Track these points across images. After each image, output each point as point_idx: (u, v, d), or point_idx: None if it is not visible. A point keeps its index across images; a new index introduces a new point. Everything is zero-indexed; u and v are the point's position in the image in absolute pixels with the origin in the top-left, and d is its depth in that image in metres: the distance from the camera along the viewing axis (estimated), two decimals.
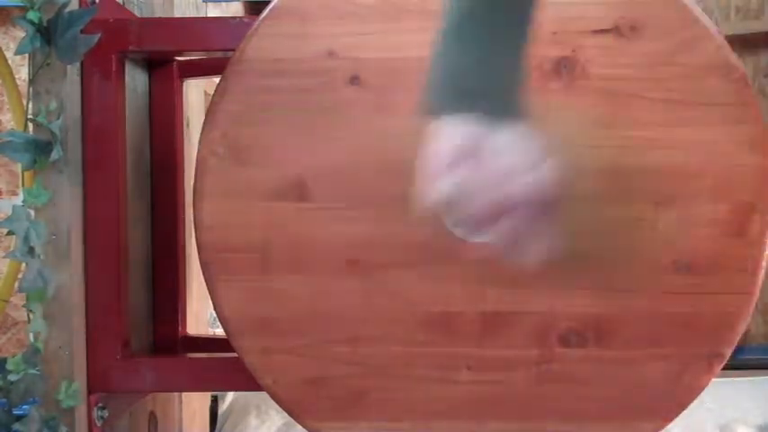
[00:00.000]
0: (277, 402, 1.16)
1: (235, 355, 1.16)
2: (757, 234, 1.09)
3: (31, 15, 1.12)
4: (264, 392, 1.16)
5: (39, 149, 1.15)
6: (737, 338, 1.11)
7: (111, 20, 1.24)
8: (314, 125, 1.12)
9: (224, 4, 2.41)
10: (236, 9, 2.53)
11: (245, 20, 1.24)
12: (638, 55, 1.10)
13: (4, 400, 1.13)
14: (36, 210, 1.17)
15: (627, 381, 1.12)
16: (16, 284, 1.21)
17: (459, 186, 0.73)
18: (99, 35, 1.14)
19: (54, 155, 1.15)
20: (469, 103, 0.74)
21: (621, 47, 1.10)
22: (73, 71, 1.20)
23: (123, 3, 1.36)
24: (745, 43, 2.71)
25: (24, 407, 1.14)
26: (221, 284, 1.14)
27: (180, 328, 1.48)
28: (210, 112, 1.14)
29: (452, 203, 0.74)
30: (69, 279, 1.19)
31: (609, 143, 1.10)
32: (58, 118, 1.16)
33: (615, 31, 1.10)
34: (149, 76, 1.46)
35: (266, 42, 1.13)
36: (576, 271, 1.08)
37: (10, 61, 1.24)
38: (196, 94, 1.69)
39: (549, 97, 1.10)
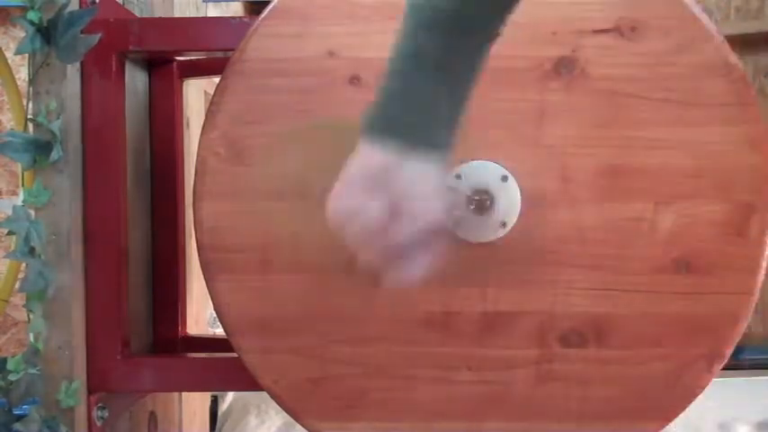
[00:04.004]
0: (277, 402, 1.16)
1: (235, 355, 1.16)
2: (757, 234, 1.09)
3: (31, 15, 1.12)
4: (264, 392, 1.16)
5: (39, 149, 1.15)
6: (737, 338, 1.11)
7: (111, 20, 1.24)
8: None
9: (224, 4, 2.41)
10: (236, 9, 2.53)
11: (245, 20, 1.24)
12: (637, 55, 1.10)
13: (4, 400, 1.13)
14: (36, 210, 1.17)
15: (627, 381, 1.12)
16: (16, 284, 1.21)
17: (353, 209, 0.76)
18: (99, 35, 1.14)
19: (54, 155, 1.15)
20: (395, 131, 0.75)
21: (621, 47, 1.10)
22: (73, 71, 1.20)
23: (123, 3, 1.36)
24: (745, 43, 2.70)
25: (24, 407, 1.14)
26: (221, 284, 1.14)
27: (180, 328, 1.48)
28: (210, 112, 1.14)
29: (346, 224, 0.77)
30: (69, 279, 1.19)
31: (609, 143, 1.10)
32: (58, 118, 1.16)
33: (615, 31, 1.10)
34: (149, 76, 1.46)
35: (266, 42, 1.13)
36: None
37: (10, 61, 1.24)
38: (196, 94, 1.69)
39: (549, 97, 1.10)
